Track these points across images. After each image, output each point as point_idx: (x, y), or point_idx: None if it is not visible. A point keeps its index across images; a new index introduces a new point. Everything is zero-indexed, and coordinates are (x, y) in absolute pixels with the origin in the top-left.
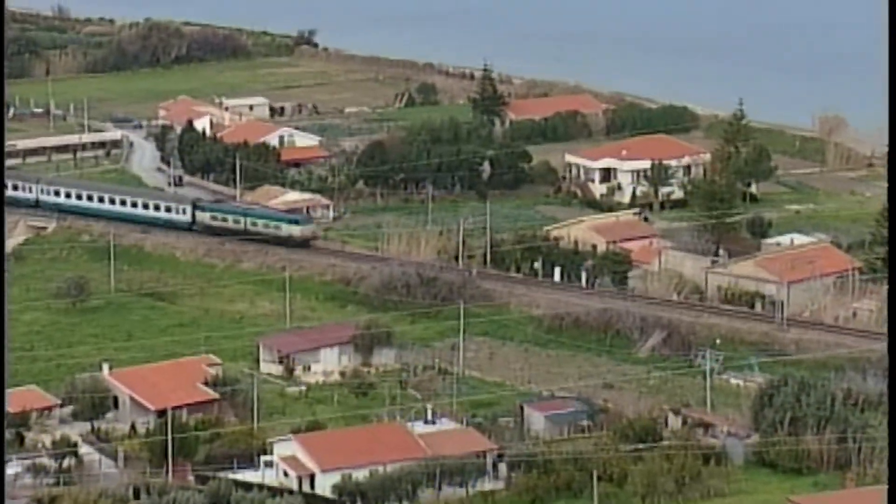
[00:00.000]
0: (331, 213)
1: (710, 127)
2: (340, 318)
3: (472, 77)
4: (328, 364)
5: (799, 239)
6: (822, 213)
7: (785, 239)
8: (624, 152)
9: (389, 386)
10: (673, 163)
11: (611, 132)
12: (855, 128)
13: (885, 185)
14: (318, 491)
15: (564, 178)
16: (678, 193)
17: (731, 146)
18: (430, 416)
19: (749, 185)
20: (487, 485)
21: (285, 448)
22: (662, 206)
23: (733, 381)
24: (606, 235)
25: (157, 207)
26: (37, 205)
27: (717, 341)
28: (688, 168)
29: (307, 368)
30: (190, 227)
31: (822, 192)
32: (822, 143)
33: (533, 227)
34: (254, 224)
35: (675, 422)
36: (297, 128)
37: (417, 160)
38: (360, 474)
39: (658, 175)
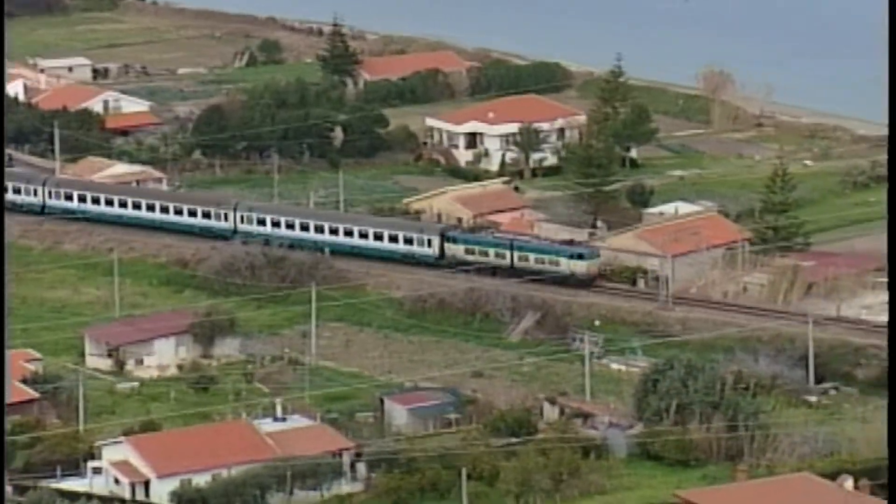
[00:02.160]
0: (164, 187)
1: (584, 85)
2: (177, 305)
3: (320, 33)
4: (164, 357)
5: (683, 208)
6: (707, 178)
7: (668, 208)
8: (491, 115)
9: (233, 380)
10: (545, 126)
11: (476, 93)
12: (742, 85)
13: (776, 146)
14: (154, 499)
15: (425, 144)
16: (551, 160)
17: (609, 106)
18: (279, 413)
19: (628, 149)
20: (344, 487)
21: (116, 452)
22: (534, 173)
23: (614, 365)
24: (473, 207)
25: (394, 239)
26: None
27: (596, 322)
28: (561, 131)
29: (140, 362)
30: (436, 263)
31: (707, 155)
32: (707, 101)
33: (391, 199)
34: (523, 259)
35: (551, 412)
36: (123, 91)
37: (261, 126)
38: (202, 479)
39: (529, 140)
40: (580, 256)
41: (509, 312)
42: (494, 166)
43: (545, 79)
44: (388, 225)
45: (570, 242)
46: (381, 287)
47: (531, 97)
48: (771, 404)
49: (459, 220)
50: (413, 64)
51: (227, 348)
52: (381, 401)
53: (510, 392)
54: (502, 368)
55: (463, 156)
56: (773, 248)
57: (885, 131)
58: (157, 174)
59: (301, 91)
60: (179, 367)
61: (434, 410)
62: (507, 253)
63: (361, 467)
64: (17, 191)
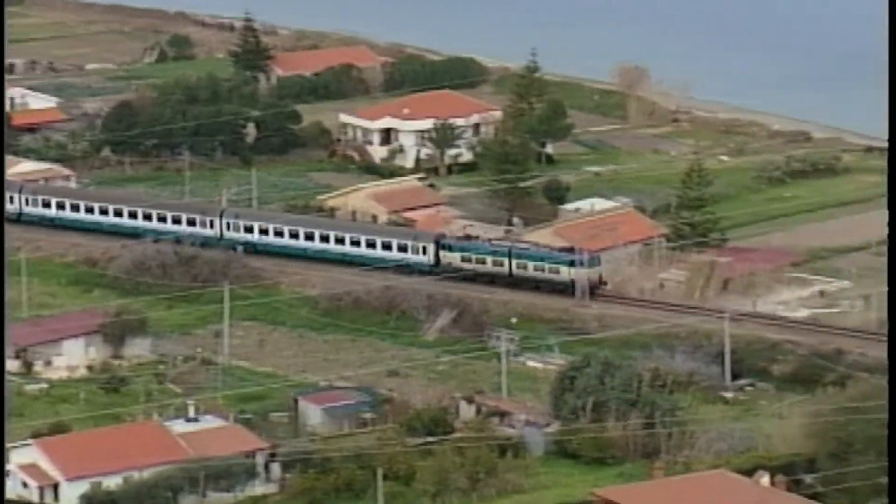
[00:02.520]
0: (73, 185)
1: (500, 81)
2: (86, 305)
3: (231, 28)
4: (73, 357)
5: (600, 204)
6: (624, 174)
7: (585, 204)
8: (406, 111)
9: (145, 380)
10: (460, 122)
11: (390, 88)
12: (658, 80)
13: (692, 142)
14: (63, 502)
15: (339, 140)
16: (467, 156)
17: (524, 102)
18: (191, 414)
19: (544, 145)
20: (258, 488)
21: (24, 455)
22: (450, 170)
23: (531, 363)
24: (388, 204)
25: (387, 246)
26: None
27: (513, 320)
28: (477, 127)
29: (48, 363)
30: (431, 271)
31: (623, 151)
32: (623, 97)
33: (305, 196)
34: (522, 266)
35: (467, 411)
36: (30, 88)
37: (171, 123)
38: (113, 482)
39: (444, 136)
40: (581, 264)
41: (425, 310)
42: (410, 163)
43: (460, 74)
44: (379, 232)
45: (571, 250)
46: (295, 285)
47: (446, 93)
48: (688, 401)
49: (374, 217)
50: (326, 59)
51: (138, 348)
52: (296, 400)
53: (426, 391)
54: (418, 367)
55: (378, 152)
56: (690, 244)
57: (800, 126)
58: (66, 172)
59: (212, 87)
60: (89, 367)
61: (349, 410)
62: (505, 261)
63: (275, 468)
64: None
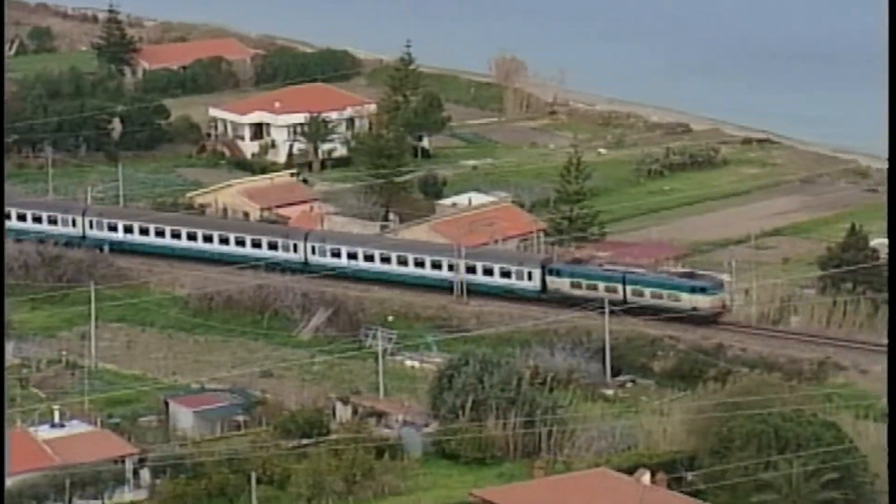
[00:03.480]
0: None
1: (374, 73)
2: None
3: (95, 19)
4: None
5: (477, 198)
6: (501, 168)
7: (462, 199)
8: (277, 104)
9: (7, 385)
10: (334, 115)
11: (261, 81)
12: (535, 72)
13: (571, 134)
14: None
15: (209, 135)
16: (341, 150)
17: (399, 95)
18: (57, 419)
19: (420, 138)
20: (127, 494)
21: None
22: (324, 165)
23: (408, 362)
24: (260, 201)
25: (488, 272)
26: None
27: (390, 318)
28: (351, 121)
29: None
30: (538, 298)
31: (501, 144)
32: (499, 89)
33: (174, 193)
34: (637, 293)
35: (343, 412)
36: None
37: (33, 118)
38: None
39: (317, 130)
40: (703, 290)
41: (300, 310)
42: (282, 158)
43: (333, 67)
44: (481, 256)
45: (691, 275)
46: (164, 285)
47: (319, 86)
48: (568, 399)
49: (246, 214)
50: (194, 52)
51: None
52: (166, 403)
53: (301, 392)
54: (293, 367)
55: (249, 147)
56: (569, 238)
57: (678, 118)
58: None
59: (76, 81)
60: None
61: (221, 412)
62: (619, 287)
63: (145, 473)
64: None
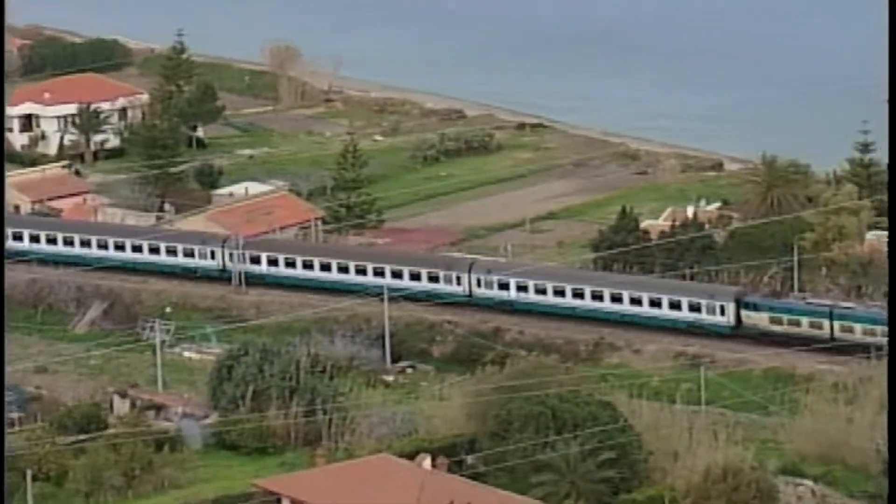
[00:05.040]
0: None
1: (145, 63)
2: None
3: None
4: None
5: (254, 187)
6: (278, 156)
7: (239, 188)
8: (47, 95)
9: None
10: (106, 106)
11: (29, 72)
12: (310, 59)
13: (346, 122)
14: None
15: None
16: (114, 141)
17: (172, 84)
18: None
19: (195, 128)
20: None
21: None
22: (96, 156)
23: (187, 354)
24: (31, 194)
25: (675, 305)
26: None
27: (168, 310)
28: (124, 111)
29: None
30: (732, 334)
31: (277, 133)
32: (274, 77)
33: None
34: (847, 329)
35: (121, 406)
36: None
37: None
38: None
39: (89, 121)
40: None
41: (74, 303)
42: (53, 150)
43: (104, 57)
44: (667, 289)
45: None
46: None
47: (90, 76)
48: (349, 386)
49: (17, 207)
50: None
51: None
52: None
53: (77, 387)
54: (68, 362)
55: (18, 139)
56: (347, 226)
57: (452, 104)
58: None
59: None
60: None
61: None
62: (825, 322)
63: None
64: None
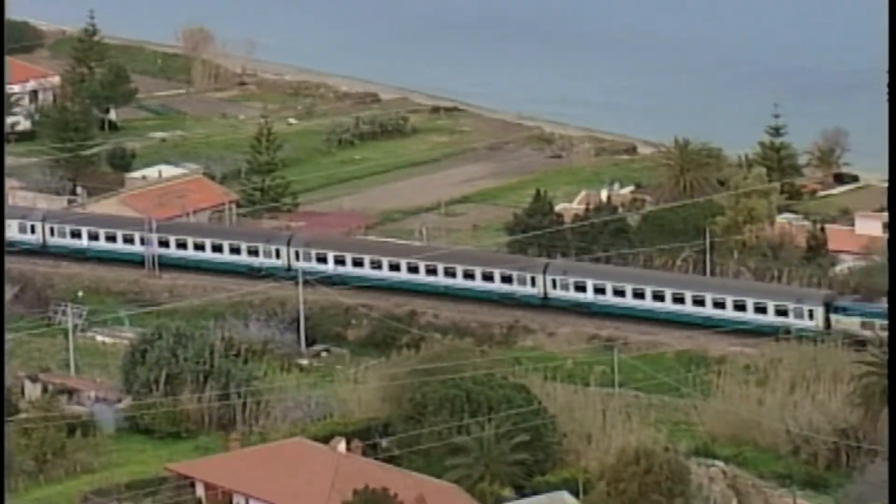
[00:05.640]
0: None
1: (57, 45)
2: None
3: None
4: None
5: (168, 170)
6: (192, 140)
7: (152, 171)
8: None
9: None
10: (16, 88)
11: None
12: (223, 42)
13: (261, 105)
14: None
15: None
16: (25, 124)
17: (84, 67)
18: None
19: (108, 111)
20: None
21: None
22: (7, 139)
23: (100, 338)
24: None
25: (761, 309)
26: None
27: (80, 293)
28: (34, 94)
29: None
30: (821, 338)
31: (191, 116)
32: (187, 60)
33: None
34: None
35: (33, 390)
36: None
37: None
38: None
39: None
40: None
41: None
42: None
43: (14, 39)
44: (748, 291)
45: None
46: None
47: None
48: (263, 370)
49: None
50: None
51: None
52: None
53: None
54: None
55: None
56: (262, 209)
57: (367, 88)
58: None
59: None
60: None
61: None
62: None
63: None
64: None
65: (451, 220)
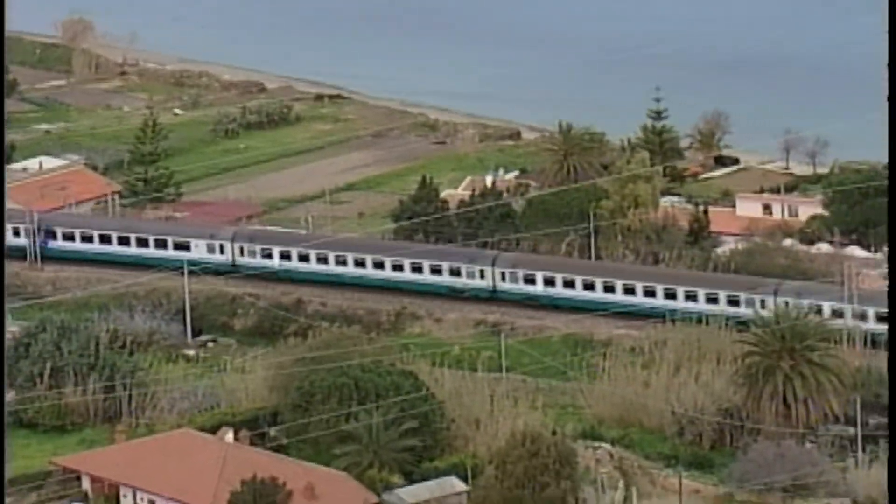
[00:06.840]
0: None
1: None
2: None
3: None
4: None
5: (48, 162)
6: (75, 131)
7: (32, 163)
8: None
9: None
10: None
11: None
12: (103, 32)
13: (145, 96)
14: None
15: None
16: None
17: None
18: None
19: None
20: None
21: None
22: None
23: None
24: None
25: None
26: None
27: None
28: None
29: None
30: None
31: (73, 107)
32: (66, 50)
33: None
34: None
35: None
36: None
37: None
38: None
39: None
40: None
41: None
42: None
43: None
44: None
45: None
46: None
47: None
48: (149, 361)
49: None
50: None
51: None
52: None
53: None
54: None
55: None
56: (144, 199)
57: (251, 77)
58: None
59: None
60: None
61: None
62: None
63: None
64: None
65: (336, 207)
